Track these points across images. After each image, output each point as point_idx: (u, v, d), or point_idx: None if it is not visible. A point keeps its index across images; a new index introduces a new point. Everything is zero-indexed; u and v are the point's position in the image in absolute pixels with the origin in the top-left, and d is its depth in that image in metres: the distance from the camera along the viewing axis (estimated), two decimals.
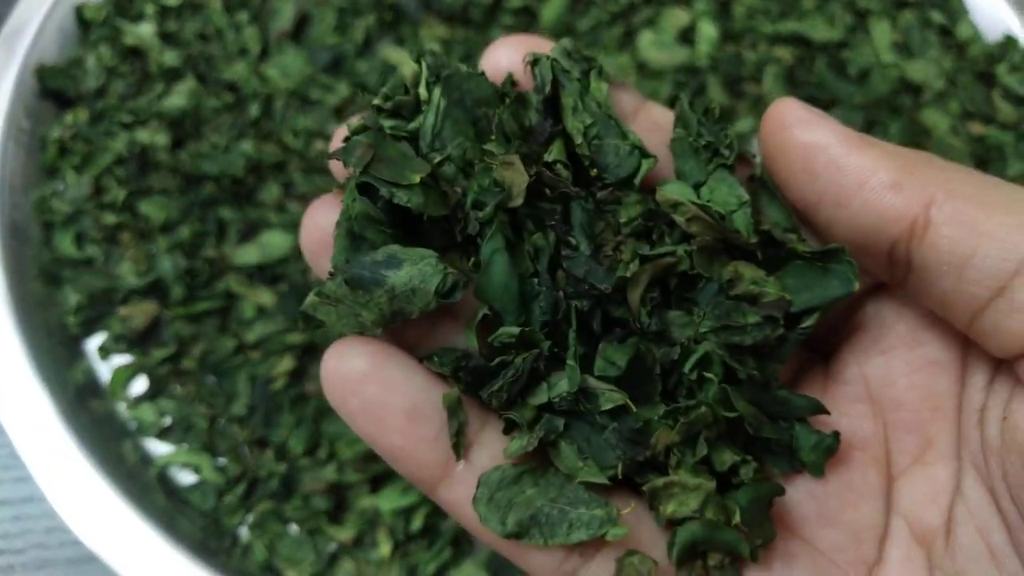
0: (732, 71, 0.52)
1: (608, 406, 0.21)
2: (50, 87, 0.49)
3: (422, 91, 0.24)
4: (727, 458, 0.22)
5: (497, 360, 0.22)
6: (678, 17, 0.53)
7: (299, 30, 0.52)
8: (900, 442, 0.23)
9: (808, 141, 0.21)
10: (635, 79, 0.51)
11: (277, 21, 0.52)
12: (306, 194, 0.46)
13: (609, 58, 0.52)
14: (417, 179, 0.22)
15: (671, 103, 0.51)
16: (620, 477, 0.21)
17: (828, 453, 0.23)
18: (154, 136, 0.48)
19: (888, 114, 0.52)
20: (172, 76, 0.50)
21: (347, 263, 0.22)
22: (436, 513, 0.41)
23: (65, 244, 0.46)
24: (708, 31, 0.53)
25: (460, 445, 0.22)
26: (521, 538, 0.21)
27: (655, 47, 0.52)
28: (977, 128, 0.52)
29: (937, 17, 0.56)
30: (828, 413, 0.23)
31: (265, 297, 0.44)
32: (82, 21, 0.52)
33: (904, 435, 0.23)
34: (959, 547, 0.21)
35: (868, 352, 0.23)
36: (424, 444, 0.22)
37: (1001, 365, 0.22)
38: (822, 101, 0.52)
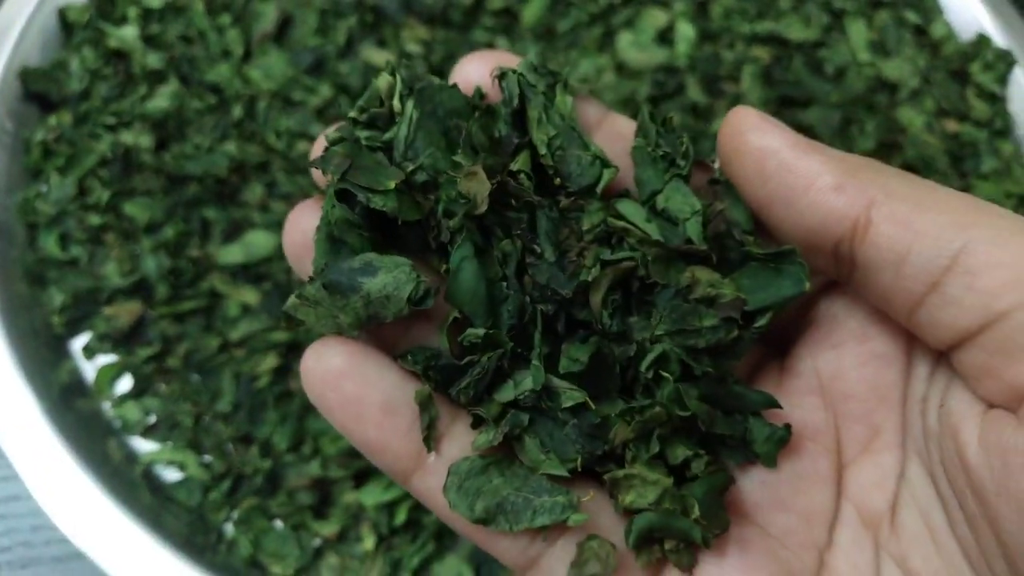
0: (710, 71, 0.53)
1: (569, 403, 0.23)
2: (33, 89, 0.49)
3: (396, 103, 0.25)
4: (680, 453, 0.23)
5: (466, 360, 0.23)
6: (656, 18, 0.54)
7: (281, 32, 0.52)
8: (850, 432, 0.24)
9: (761, 145, 0.23)
10: (614, 79, 0.52)
11: (259, 23, 0.52)
12: (289, 194, 0.47)
13: (588, 59, 0.52)
14: (392, 185, 0.23)
15: (654, 102, 0.52)
16: (579, 469, 0.23)
17: (780, 444, 0.24)
18: (138, 138, 0.48)
19: (864, 112, 0.52)
20: (155, 78, 0.50)
21: (325, 268, 0.23)
22: (419, 507, 0.41)
23: (50, 245, 0.46)
24: (686, 31, 0.53)
25: (431, 438, 0.23)
26: (488, 524, 0.22)
27: (634, 47, 0.53)
28: (951, 125, 0.53)
29: (912, 16, 0.57)
30: (780, 407, 0.24)
31: (249, 296, 0.44)
32: (65, 24, 0.52)
33: (853, 425, 0.24)
34: (903, 529, 0.23)
35: (820, 346, 0.25)
36: (398, 437, 0.23)
37: (941, 357, 0.23)
38: (799, 100, 0.53)
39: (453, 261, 0.23)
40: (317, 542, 0.41)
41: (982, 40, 0.56)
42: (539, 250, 0.24)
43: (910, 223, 0.21)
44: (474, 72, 0.26)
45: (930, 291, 0.21)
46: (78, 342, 0.45)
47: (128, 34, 0.51)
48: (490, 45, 0.53)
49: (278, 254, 0.45)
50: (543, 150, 0.24)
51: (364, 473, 0.42)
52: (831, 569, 0.23)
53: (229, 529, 0.41)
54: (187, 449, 0.43)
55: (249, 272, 0.45)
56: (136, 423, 0.43)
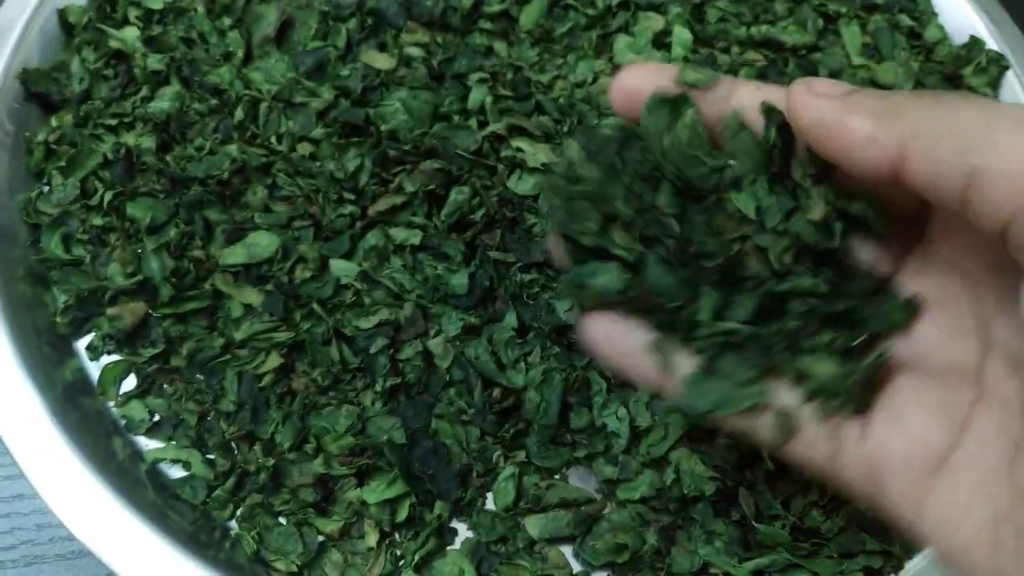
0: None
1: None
2: (34, 90, 0.50)
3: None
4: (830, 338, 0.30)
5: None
6: (653, 22, 0.54)
7: (282, 34, 0.53)
8: (988, 288, 0.28)
9: (812, 119, 0.26)
10: (611, 83, 0.52)
11: (260, 25, 0.52)
12: (291, 196, 0.47)
13: (586, 62, 0.53)
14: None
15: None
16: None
17: (913, 312, 0.29)
18: (140, 139, 0.48)
19: None
20: (157, 80, 0.51)
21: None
22: (421, 504, 0.42)
23: (52, 246, 0.46)
24: (682, 35, 0.54)
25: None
26: (717, 410, 0.30)
27: (631, 51, 0.53)
28: None
29: (905, 20, 0.57)
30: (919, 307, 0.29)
31: (252, 297, 0.45)
32: (65, 24, 0.52)
33: (990, 280, 0.28)
34: None
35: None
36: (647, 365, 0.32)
37: None
38: None
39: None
40: (320, 539, 0.41)
41: (975, 43, 0.56)
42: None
43: (932, 156, 0.24)
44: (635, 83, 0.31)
45: (963, 206, 0.24)
46: (82, 342, 0.45)
47: (129, 35, 0.52)
48: (489, 48, 0.53)
49: (280, 255, 0.45)
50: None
51: (366, 471, 0.42)
52: (991, 389, 0.27)
53: (233, 526, 0.42)
54: (191, 448, 0.43)
55: (251, 273, 0.45)
56: (140, 422, 0.44)
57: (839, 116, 0.26)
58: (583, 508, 0.42)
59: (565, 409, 0.43)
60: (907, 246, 0.30)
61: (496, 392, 0.43)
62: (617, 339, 0.32)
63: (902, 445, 0.27)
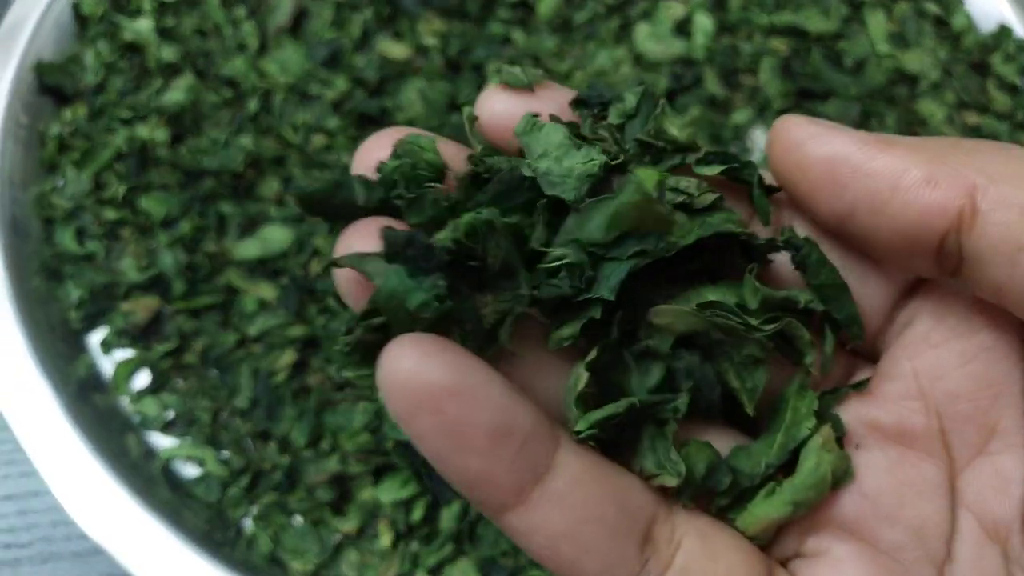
0: (728, 63, 0.52)
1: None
2: (48, 83, 0.49)
3: None
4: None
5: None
6: (674, 9, 0.53)
7: (297, 25, 0.52)
8: (960, 434, 0.22)
9: (827, 154, 0.21)
10: (631, 72, 0.52)
11: (275, 16, 0.52)
12: (305, 188, 0.46)
13: (605, 51, 0.52)
14: None
15: (671, 95, 0.51)
16: None
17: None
18: (153, 132, 0.48)
19: (884, 105, 0.52)
20: (170, 72, 0.50)
21: None
22: (435, 506, 0.41)
23: (66, 240, 0.46)
24: (704, 23, 0.53)
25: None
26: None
27: (651, 40, 0.52)
28: (972, 118, 0.53)
29: (932, 7, 0.56)
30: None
31: (266, 291, 0.44)
32: (79, 17, 0.52)
33: (964, 426, 0.22)
34: None
35: (918, 347, 0.22)
36: (503, 466, 0.19)
37: None
38: (818, 92, 0.52)
39: None
40: (337, 538, 0.41)
41: (1003, 31, 0.55)
42: None
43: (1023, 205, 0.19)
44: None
45: None
46: (95, 337, 0.45)
47: (143, 27, 0.51)
48: (506, 38, 0.52)
49: (295, 249, 0.45)
50: None
51: (382, 469, 0.41)
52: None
53: (248, 525, 0.41)
54: (206, 445, 0.43)
55: (266, 267, 0.45)
56: (154, 419, 0.43)
57: (874, 151, 0.20)
58: None
59: None
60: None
61: None
62: (461, 403, 0.19)
63: None
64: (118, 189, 0.46)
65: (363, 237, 0.21)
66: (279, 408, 0.42)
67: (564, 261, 0.20)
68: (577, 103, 0.23)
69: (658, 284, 0.22)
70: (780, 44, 0.54)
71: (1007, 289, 0.20)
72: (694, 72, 0.52)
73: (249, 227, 0.46)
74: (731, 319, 0.21)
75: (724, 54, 0.52)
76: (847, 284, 0.22)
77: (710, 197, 0.21)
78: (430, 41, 0.51)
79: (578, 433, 0.20)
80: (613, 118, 0.22)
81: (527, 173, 0.21)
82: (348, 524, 0.41)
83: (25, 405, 0.40)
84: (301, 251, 0.45)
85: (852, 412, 0.23)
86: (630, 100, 0.22)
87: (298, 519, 0.41)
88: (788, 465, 0.22)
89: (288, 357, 0.43)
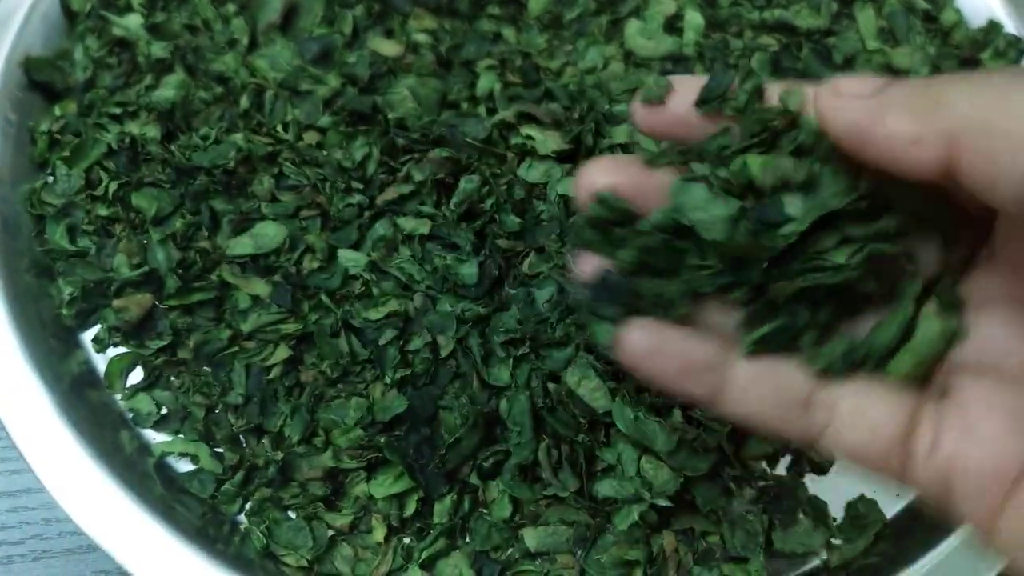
0: (718, 59, 0.53)
1: None
2: (37, 79, 0.49)
3: None
4: None
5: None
6: (664, 5, 0.53)
7: (287, 21, 0.52)
8: None
9: (846, 125, 0.24)
10: (622, 69, 0.52)
11: (265, 12, 0.52)
12: (297, 185, 0.46)
13: (596, 48, 0.52)
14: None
15: None
16: None
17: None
18: (144, 128, 0.48)
19: None
20: (161, 68, 0.50)
21: None
22: (428, 500, 0.41)
23: (57, 236, 0.46)
24: (695, 19, 0.53)
25: None
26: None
27: (642, 36, 0.52)
28: None
29: (921, 3, 0.56)
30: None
31: (259, 287, 0.44)
32: (68, 12, 0.51)
33: None
34: None
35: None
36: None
37: None
38: None
39: None
40: (330, 533, 0.41)
41: (993, 27, 0.55)
42: None
43: (987, 154, 0.21)
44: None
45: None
46: (88, 334, 0.45)
47: (132, 23, 0.51)
48: (497, 35, 0.52)
49: (288, 245, 0.45)
50: None
51: (375, 464, 0.42)
52: None
53: (242, 520, 0.42)
54: (199, 441, 0.43)
55: (258, 263, 0.45)
56: (147, 415, 0.43)
57: (874, 118, 0.23)
58: (584, 525, 0.40)
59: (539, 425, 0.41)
60: (975, 246, 0.28)
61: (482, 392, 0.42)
62: (667, 353, 0.28)
63: (974, 458, 0.25)
64: (109, 186, 0.46)
65: (603, 170, 0.28)
66: (272, 404, 0.42)
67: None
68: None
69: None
70: (770, 40, 0.54)
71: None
72: (684, 68, 0.52)
73: (242, 224, 0.46)
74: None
75: (714, 50, 0.53)
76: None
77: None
78: (421, 38, 0.51)
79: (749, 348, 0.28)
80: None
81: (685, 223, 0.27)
82: (341, 519, 0.41)
83: (17, 402, 0.40)
84: (294, 248, 0.45)
85: (971, 284, 0.27)
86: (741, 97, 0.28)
87: (291, 514, 0.41)
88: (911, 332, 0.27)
89: (281, 353, 0.43)
